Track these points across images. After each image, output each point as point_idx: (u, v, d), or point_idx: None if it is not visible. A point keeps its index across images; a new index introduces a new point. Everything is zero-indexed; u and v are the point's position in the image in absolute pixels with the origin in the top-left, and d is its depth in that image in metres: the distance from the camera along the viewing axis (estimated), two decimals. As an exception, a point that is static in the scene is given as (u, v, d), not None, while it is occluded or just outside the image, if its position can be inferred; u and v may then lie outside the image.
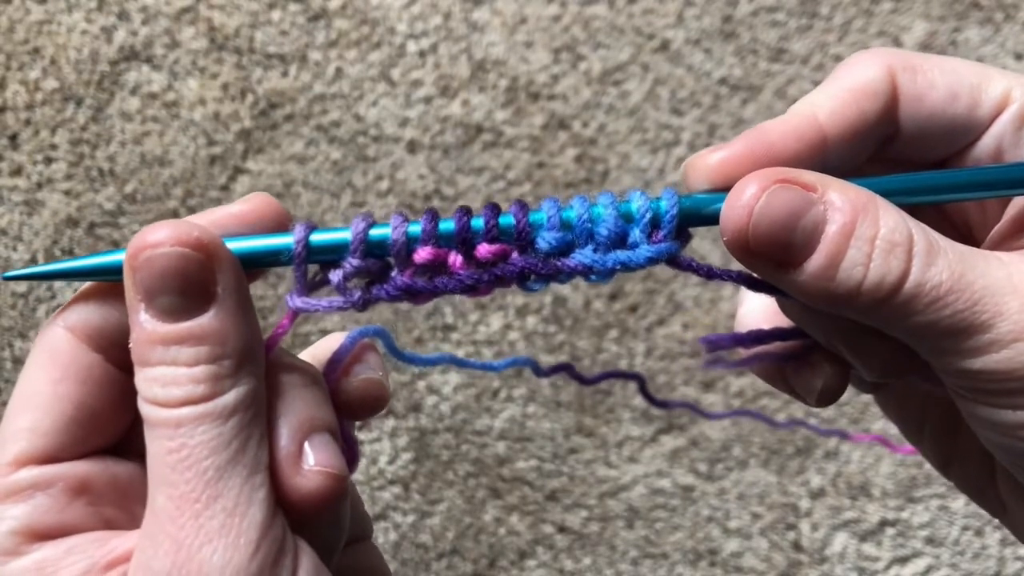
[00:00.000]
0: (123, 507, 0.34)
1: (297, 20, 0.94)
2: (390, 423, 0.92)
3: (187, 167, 0.92)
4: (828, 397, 0.39)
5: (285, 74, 0.93)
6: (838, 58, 0.95)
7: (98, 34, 0.93)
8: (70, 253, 0.91)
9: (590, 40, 0.95)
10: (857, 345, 0.37)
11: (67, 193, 0.91)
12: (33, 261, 0.91)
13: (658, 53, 0.95)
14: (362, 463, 0.92)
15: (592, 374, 0.48)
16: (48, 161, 0.92)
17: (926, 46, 0.96)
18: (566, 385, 0.92)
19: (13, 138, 0.92)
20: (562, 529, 0.93)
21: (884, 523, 0.93)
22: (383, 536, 0.92)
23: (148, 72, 0.93)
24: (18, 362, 0.90)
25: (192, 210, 0.91)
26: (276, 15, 0.94)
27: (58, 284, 0.90)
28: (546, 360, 0.92)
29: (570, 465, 0.93)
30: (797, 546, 0.93)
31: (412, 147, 0.93)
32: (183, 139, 0.92)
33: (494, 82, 0.94)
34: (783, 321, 0.41)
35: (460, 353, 0.92)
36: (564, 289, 0.93)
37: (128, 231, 0.91)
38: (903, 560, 0.93)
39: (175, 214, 0.91)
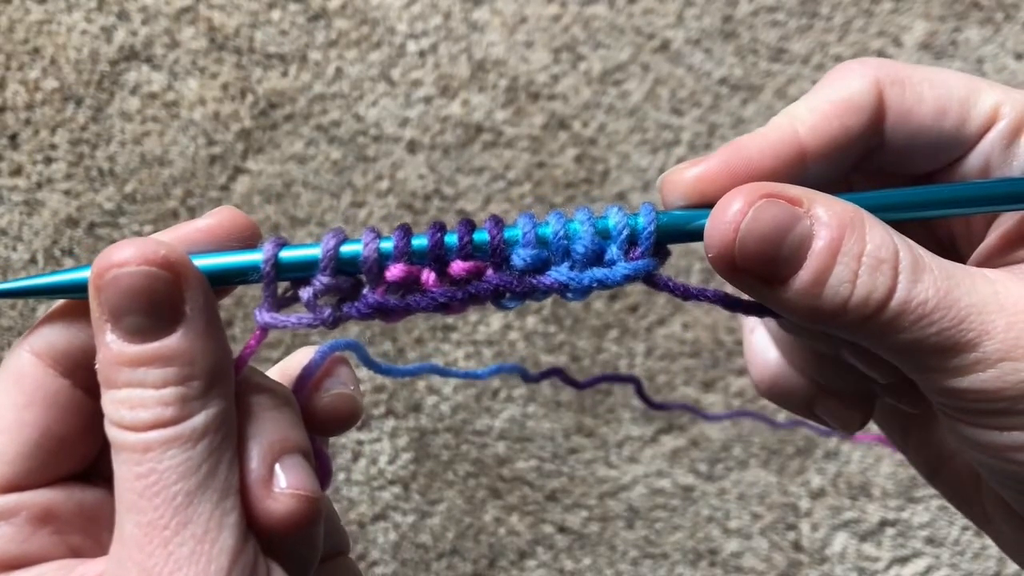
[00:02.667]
0: (90, 534, 0.33)
1: (297, 20, 0.94)
2: (390, 423, 0.92)
3: (187, 167, 0.92)
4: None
5: (285, 74, 0.93)
6: (838, 58, 0.95)
7: (98, 34, 0.93)
8: (70, 253, 0.91)
9: (590, 40, 0.95)
10: (861, 354, 0.36)
11: (67, 193, 0.91)
12: (33, 261, 0.91)
13: (658, 53, 0.95)
14: (362, 463, 0.92)
15: (585, 377, 0.47)
16: (48, 161, 0.92)
17: (926, 46, 0.96)
18: (566, 385, 0.92)
19: (13, 138, 0.92)
20: (562, 529, 0.93)
21: (884, 523, 0.93)
22: (383, 536, 0.92)
23: (148, 72, 0.93)
24: (18, 362, 0.90)
25: (192, 210, 0.91)
26: (276, 15, 0.94)
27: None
28: (546, 360, 0.92)
29: (570, 465, 0.93)
30: (797, 546, 0.93)
31: (412, 147, 0.93)
32: (183, 139, 0.92)
33: (494, 82, 0.94)
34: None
35: (460, 353, 0.92)
36: (564, 289, 0.93)
37: (128, 231, 0.91)
38: (903, 560, 0.93)
39: (175, 214, 0.91)
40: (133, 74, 0.93)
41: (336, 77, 0.94)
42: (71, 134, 0.92)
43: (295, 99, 0.93)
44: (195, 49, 0.93)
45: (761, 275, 0.31)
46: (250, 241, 0.34)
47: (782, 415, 0.92)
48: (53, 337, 0.33)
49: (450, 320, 0.92)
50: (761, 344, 0.41)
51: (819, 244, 0.30)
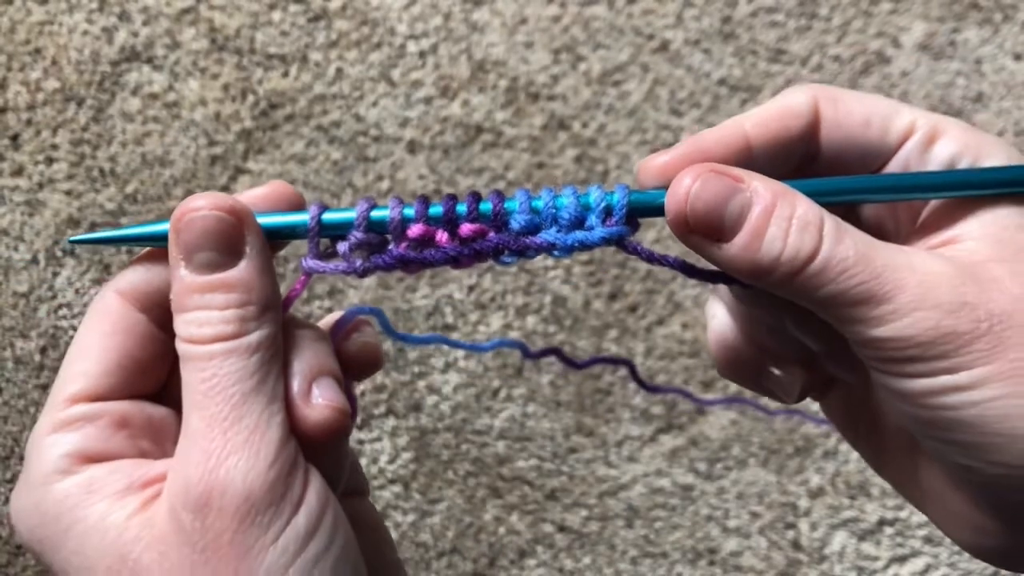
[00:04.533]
0: (157, 443, 0.40)
1: (297, 21, 0.94)
2: (390, 423, 0.92)
3: (188, 167, 0.92)
4: (801, 395, 0.46)
5: (286, 74, 0.94)
6: (837, 59, 0.96)
7: (99, 35, 0.93)
8: (71, 253, 0.91)
9: (590, 40, 0.95)
10: (802, 322, 0.42)
11: (68, 193, 0.92)
12: (34, 261, 0.91)
13: (658, 53, 0.95)
14: (362, 463, 0.92)
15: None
16: (49, 161, 0.92)
17: (925, 47, 0.96)
18: (566, 384, 0.92)
19: (14, 138, 0.92)
20: (562, 528, 0.93)
21: (883, 522, 0.94)
22: (383, 535, 0.92)
23: (149, 73, 0.93)
24: (19, 362, 0.90)
25: (193, 210, 0.92)
26: (277, 16, 0.94)
27: (59, 285, 0.90)
28: (545, 361, 0.92)
29: (570, 465, 0.93)
30: (796, 545, 0.94)
31: (412, 147, 0.93)
32: (184, 139, 0.92)
33: (494, 82, 0.94)
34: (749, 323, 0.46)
35: (460, 352, 0.92)
36: (564, 289, 0.93)
37: (129, 231, 0.91)
38: (902, 559, 0.93)
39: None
40: (134, 75, 0.93)
41: (336, 78, 0.94)
42: (72, 134, 0.92)
43: (296, 99, 0.93)
44: (196, 50, 0.93)
45: (709, 235, 0.38)
46: (297, 208, 0.42)
47: (777, 403, 0.92)
48: (135, 278, 0.41)
49: (450, 319, 0.92)
50: (720, 325, 0.48)
51: (756, 209, 0.37)
